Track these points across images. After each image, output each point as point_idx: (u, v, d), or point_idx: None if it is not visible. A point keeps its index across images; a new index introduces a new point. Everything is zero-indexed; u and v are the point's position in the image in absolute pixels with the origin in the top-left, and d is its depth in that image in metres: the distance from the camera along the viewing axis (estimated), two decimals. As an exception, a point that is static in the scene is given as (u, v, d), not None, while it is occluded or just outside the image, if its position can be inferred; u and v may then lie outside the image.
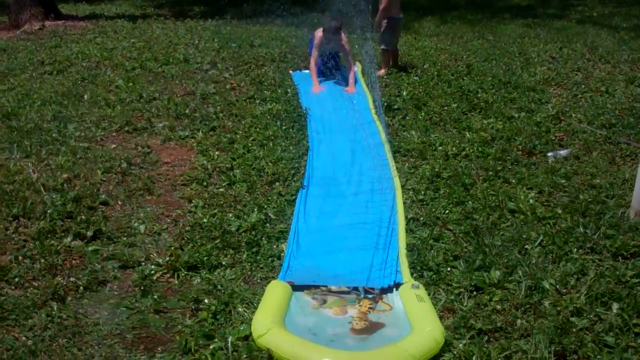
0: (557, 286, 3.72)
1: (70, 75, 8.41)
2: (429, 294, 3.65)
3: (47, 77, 8.37)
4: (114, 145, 6.02)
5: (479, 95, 7.40)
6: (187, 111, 6.93)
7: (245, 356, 3.12)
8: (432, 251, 4.14)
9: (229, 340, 3.21)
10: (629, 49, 9.36)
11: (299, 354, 3.06)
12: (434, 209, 4.70)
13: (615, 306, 3.50)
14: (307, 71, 8.62)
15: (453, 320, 3.45)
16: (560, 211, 4.62)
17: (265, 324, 3.26)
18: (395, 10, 8.30)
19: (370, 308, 3.60)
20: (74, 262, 4.04)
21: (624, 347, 3.21)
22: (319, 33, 7.88)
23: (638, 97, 7.30)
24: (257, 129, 6.38)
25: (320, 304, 3.65)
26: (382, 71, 8.42)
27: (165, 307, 3.60)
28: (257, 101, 7.33)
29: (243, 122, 6.61)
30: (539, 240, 4.22)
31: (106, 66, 8.89)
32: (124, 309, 3.56)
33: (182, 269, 3.95)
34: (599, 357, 3.15)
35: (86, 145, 5.93)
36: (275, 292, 3.62)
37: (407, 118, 6.74)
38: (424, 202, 4.85)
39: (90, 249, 4.17)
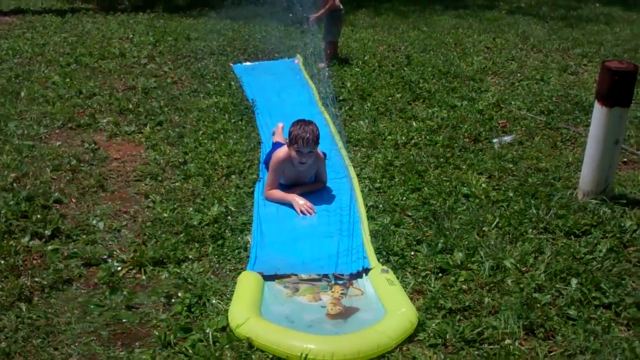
0: (518, 265, 3.87)
1: (3, 72, 8.14)
2: (397, 278, 3.74)
3: (-21, 75, 8.09)
4: (59, 143, 5.89)
5: (421, 85, 7.55)
6: (130, 106, 6.83)
7: (226, 346, 3.13)
8: (395, 236, 4.23)
9: (209, 332, 3.22)
10: (559, 38, 9.72)
11: (281, 340, 3.10)
12: (391, 196, 4.79)
13: (574, 281, 3.68)
14: (248, 63, 8.62)
15: (423, 302, 3.55)
16: (511, 194, 4.79)
17: (242, 314, 3.29)
18: (337, 3, 8.40)
19: (342, 294, 3.67)
20: (34, 262, 3.95)
21: (587, 318, 3.38)
22: (280, 154, 4.83)
23: (571, 84, 7.60)
24: (206, 123, 6.35)
25: (293, 292, 3.69)
26: (323, 64, 8.48)
27: (137, 302, 3.56)
28: (202, 95, 7.29)
29: (190, 116, 6.57)
30: (495, 222, 4.37)
31: (39, 62, 8.65)
32: (95, 306, 3.51)
33: (149, 265, 3.91)
34: (564, 329, 3.30)
35: (30, 144, 5.79)
36: (247, 282, 3.64)
37: (354, 109, 6.83)
38: (381, 190, 4.94)
39: (50, 248, 4.08)
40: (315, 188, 4.95)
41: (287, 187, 4.89)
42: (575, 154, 5.51)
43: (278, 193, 4.80)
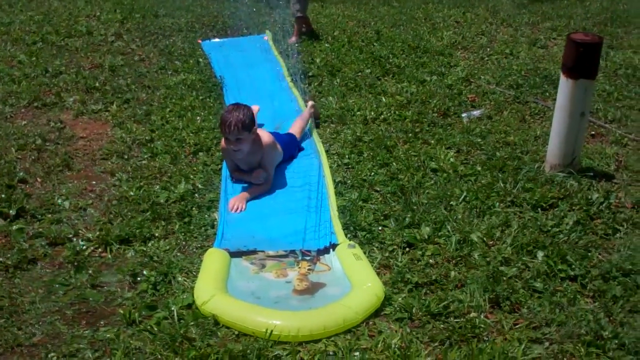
0: (484, 238, 3.89)
1: (-33, 52, 8.00)
2: (364, 253, 3.74)
3: (-59, 53, 7.93)
4: (24, 122, 5.80)
5: (391, 60, 7.52)
6: (97, 84, 6.73)
7: (192, 323, 3.12)
8: (363, 212, 4.23)
9: (174, 309, 3.20)
10: (529, 12, 9.71)
11: (246, 317, 3.10)
12: (359, 172, 4.78)
13: (540, 254, 3.70)
14: (216, 40, 8.53)
15: (390, 276, 3.56)
16: (479, 168, 4.81)
17: (208, 291, 3.28)
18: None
19: (309, 269, 3.67)
20: (-1, 242, 3.91)
21: (552, 291, 3.41)
22: (223, 142, 4.72)
23: (541, 58, 7.62)
24: (173, 100, 6.28)
25: (260, 268, 3.68)
26: (293, 38, 8.42)
27: (102, 281, 3.54)
28: (169, 72, 7.20)
29: (157, 94, 6.50)
30: (462, 197, 4.38)
31: (5, 41, 8.48)
32: (59, 285, 3.48)
33: (114, 243, 3.88)
34: (530, 302, 3.33)
35: (-5, 123, 5.70)
36: (213, 259, 3.62)
37: (323, 84, 6.79)
38: (350, 166, 4.93)
39: (14, 227, 4.03)
40: (260, 190, 4.62)
41: (245, 172, 4.74)
42: (543, 128, 5.53)
43: (237, 176, 4.73)
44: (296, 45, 8.20)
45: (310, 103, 5.81)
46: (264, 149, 4.69)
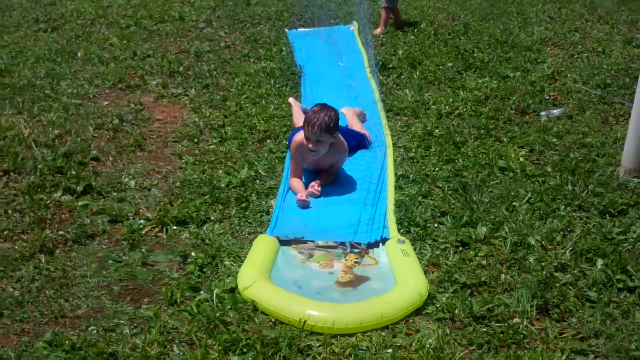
0: (543, 242, 3.74)
1: (64, 33, 8.38)
2: (415, 250, 3.67)
3: (41, 34, 8.34)
4: (106, 103, 6.03)
5: (475, 54, 7.35)
6: (181, 69, 6.92)
7: (230, 308, 3.15)
8: (420, 208, 4.15)
9: (215, 292, 3.24)
10: (629, 10, 9.25)
11: (284, 306, 3.10)
12: (424, 167, 4.70)
13: (600, 262, 3.52)
14: (303, 30, 8.56)
15: (438, 275, 3.47)
16: (550, 169, 4.62)
17: (251, 277, 3.30)
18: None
19: (356, 262, 3.63)
20: (63, 216, 4.06)
21: (607, 302, 3.23)
22: (298, 138, 4.51)
23: (635, 57, 7.25)
24: (251, 87, 6.37)
25: (308, 257, 3.68)
26: (379, 30, 8.35)
27: (154, 260, 3.62)
28: (252, 60, 7.30)
29: (237, 80, 6.60)
30: (527, 198, 4.22)
31: (101, 24, 8.85)
32: (112, 262, 3.59)
33: (171, 224, 3.96)
34: (581, 311, 3.17)
35: (79, 102, 5.95)
36: (262, 246, 3.64)
37: (402, 77, 6.71)
38: (415, 160, 4.84)
39: (80, 204, 4.18)
40: (329, 180, 4.58)
41: (311, 173, 4.65)
42: (625, 130, 5.23)
43: (296, 183, 4.47)
44: (381, 36, 8.13)
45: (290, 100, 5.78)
46: (339, 155, 4.58)
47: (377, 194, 4.33)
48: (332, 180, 4.62)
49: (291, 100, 5.73)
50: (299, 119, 5.15)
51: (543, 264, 3.54)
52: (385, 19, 8.46)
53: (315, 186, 4.40)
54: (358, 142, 5.03)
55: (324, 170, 4.64)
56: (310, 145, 4.35)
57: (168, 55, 7.41)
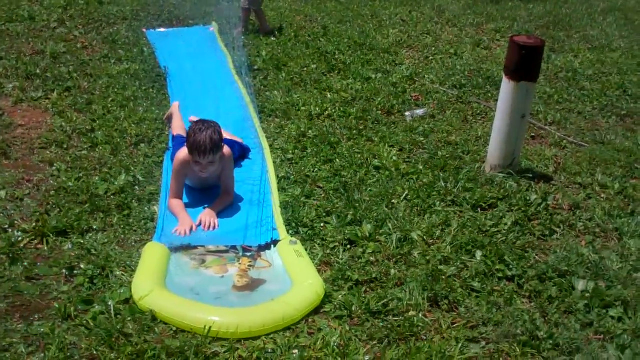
0: (425, 237, 3.93)
1: None
2: (305, 249, 3.73)
3: None
4: (-41, 108, 5.62)
5: (337, 56, 7.52)
6: (37, 71, 6.55)
7: (128, 319, 3.06)
8: (305, 208, 4.22)
9: (111, 304, 3.13)
10: (474, 13, 9.82)
11: (184, 313, 3.05)
12: (303, 168, 4.77)
13: (478, 254, 3.75)
14: (162, 30, 8.39)
15: (331, 273, 3.56)
16: (421, 167, 4.85)
17: (146, 286, 3.23)
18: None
19: (250, 265, 3.64)
20: None
21: (490, 291, 3.46)
22: (181, 156, 4.15)
23: (484, 59, 7.72)
24: (116, 90, 6.16)
25: (200, 263, 3.64)
26: (238, 30, 8.33)
27: (37, 274, 3.45)
28: (112, 61, 7.05)
29: (99, 83, 6.36)
30: (404, 195, 4.41)
31: (-60, 23, 8.20)
32: (-7, 278, 3.38)
33: (51, 235, 3.78)
34: (468, 301, 3.37)
35: None
36: (152, 253, 3.56)
37: (269, 78, 6.75)
38: (293, 161, 4.91)
39: (-54, 219, 3.89)
40: (223, 205, 4.23)
41: (194, 190, 4.40)
42: (484, 128, 5.61)
43: (177, 207, 4.10)
44: (242, 37, 8.13)
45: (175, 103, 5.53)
46: (224, 160, 4.23)
47: (262, 196, 4.35)
48: (229, 203, 4.28)
49: (175, 103, 5.51)
50: (178, 125, 5.05)
51: (427, 258, 3.72)
52: (245, 19, 8.45)
53: (212, 222, 4.02)
54: (241, 152, 4.91)
55: (211, 187, 4.35)
56: (204, 170, 4.09)
57: (22, 56, 6.99)
